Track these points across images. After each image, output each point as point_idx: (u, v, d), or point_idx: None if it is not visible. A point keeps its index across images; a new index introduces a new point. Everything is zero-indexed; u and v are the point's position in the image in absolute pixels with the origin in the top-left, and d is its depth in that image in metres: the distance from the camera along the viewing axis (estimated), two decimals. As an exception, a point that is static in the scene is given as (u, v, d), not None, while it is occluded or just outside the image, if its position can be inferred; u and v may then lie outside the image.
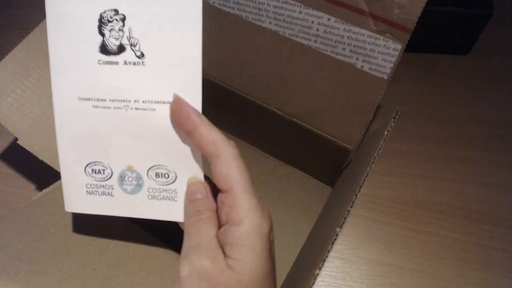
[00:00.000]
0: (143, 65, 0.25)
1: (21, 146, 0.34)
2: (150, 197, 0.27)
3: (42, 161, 0.34)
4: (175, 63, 0.25)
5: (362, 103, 0.35)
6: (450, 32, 0.53)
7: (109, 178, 0.28)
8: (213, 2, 0.37)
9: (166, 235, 0.32)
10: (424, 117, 0.51)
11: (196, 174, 0.26)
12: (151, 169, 0.27)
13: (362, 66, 0.33)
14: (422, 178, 0.47)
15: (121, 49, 0.25)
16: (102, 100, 0.26)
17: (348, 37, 0.32)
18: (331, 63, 0.34)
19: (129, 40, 0.25)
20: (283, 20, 0.35)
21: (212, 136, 0.23)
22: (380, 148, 0.29)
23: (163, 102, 0.25)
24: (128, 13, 0.25)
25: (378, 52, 0.32)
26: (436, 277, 0.41)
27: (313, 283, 0.24)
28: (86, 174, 0.28)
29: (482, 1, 0.49)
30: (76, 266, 0.31)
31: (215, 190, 0.25)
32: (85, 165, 0.28)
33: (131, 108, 0.26)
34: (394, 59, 0.31)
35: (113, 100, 0.26)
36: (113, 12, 0.25)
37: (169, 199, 0.27)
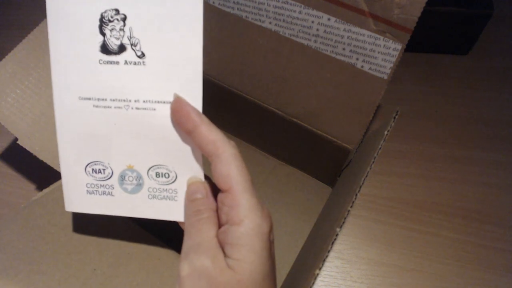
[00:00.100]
0: (144, 64, 0.25)
1: (21, 146, 0.34)
2: (150, 196, 0.27)
3: (42, 161, 0.34)
4: (175, 63, 0.25)
5: (362, 103, 0.35)
6: (450, 32, 0.53)
7: (109, 178, 0.28)
8: (213, 2, 0.37)
9: (166, 235, 0.32)
10: (424, 117, 0.51)
11: (196, 174, 0.26)
12: (152, 168, 0.27)
13: (362, 66, 0.33)
14: (422, 178, 0.47)
15: (122, 48, 0.25)
16: (102, 99, 0.26)
17: (348, 37, 0.32)
18: (331, 63, 0.34)
19: (130, 40, 0.25)
20: (283, 20, 0.35)
21: (212, 135, 0.23)
22: (380, 148, 0.29)
23: (164, 102, 0.25)
24: (129, 13, 0.25)
25: (378, 52, 0.32)
26: (436, 277, 0.41)
27: (313, 283, 0.24)
28: (87, 174, 0.28)
29: (482, 1, 0.49)
30: (76, 266, 0.31)
31: (215, 190, 0.25)
32: (85, 165, 0.28)
33: (132, 108, 0.26)
34: (394, 59, 0.31)
35: (113, 100, 0.26)
36: (114, 12, 0.25)
37: (169, 199, 0.27)
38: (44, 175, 0.34)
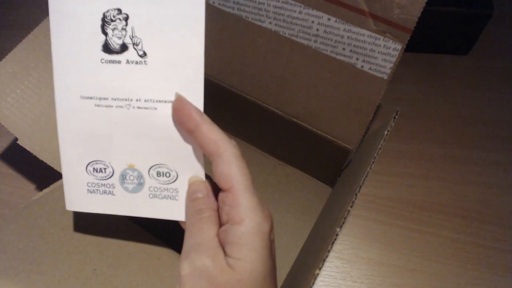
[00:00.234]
0: (146, 64, 0.25)
1: (21, 146, 0.34)
2: (151, 196, 0.27)
3: (42, 161, 0.34)
4: (177, 63, 0.25)
5: (362, 103, 0.35)
6: (450, 32, 0.53)
7: (110, 177, 0.28)
8: (213, 2, 0.37)
9: (167, 235, 0.32)
10: (424, 117, 0.51)
11: (197, 173, 0.26)
12: (153, 168, 0.27)
13: (362, 66, 0.33)
14: (422, 178, 0.47)
15: (123, 48, 0.25)
16: (104, 99, 0.26)
17: (348, 37, 0.32)
18: (331, 63, 0.34)
19: (131, 39, 0.25)
20: (283, 20, 0.35)
21: (213, 135, 0.23)
22: (380, 148, 0.29)
23: (165, 101, 0.25)
24: (131, 13, 0.25)
25: (378, 52, 0.32)
26: (436, 277, 0.41)
27: (313, 283, 0.24)
28: (88, 173, 0.28)
29: (482, 1, 0.49)
30: (76, 266, 0.31)
31: (216, 189, 0.25)
32: (86, 164, 0.28)
33: (133, 107, 0.26)
34: (394, 59, 0.31)
35: (115, 99, 0.26)
36: (116, 12, 0.25)
37: (170, 198, 0.27)
38: (44, 175, 0.34)
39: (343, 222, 0.26)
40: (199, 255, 0.22)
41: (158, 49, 0.25)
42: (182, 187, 0.27)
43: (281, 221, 0.43)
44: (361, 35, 0.32)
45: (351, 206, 0.26)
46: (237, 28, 0.37)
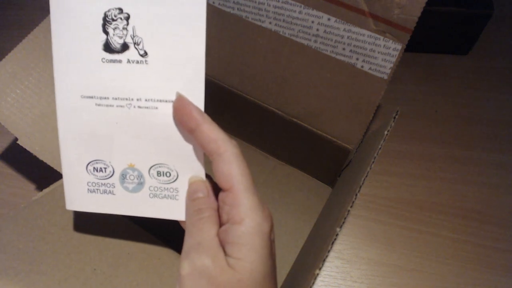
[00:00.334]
0: (146, 63, 0.25)
1: (21, 146, 0.34)
2: (151, 195, 0.27)
3: (42, 161, 0.34)
4: (178, 62, 0.25)
5: (362, 103, 0.35)
6: (450, 32, 0.53)
7: (110, 177, 0.28)
8: (213, 2, 0.37)
9: (166, 234, 0.32)
10: (424, 117, 0.51)
11: (198, 173, 0.26)
12: (153, 167, 0.27)
13: (362, 66, 0.33)
14: (422, 178, 0.47)
15: (124, 47, 0.25)
16: (105, 98, 0.26)
17: (348, 37, 0.32)
18: (331, 63, 0.34)
19: (132, 39, 0.25)
20: (283, 20, 0.35)
21: (214, 134, 0.23)
22: (380, 148, 0.29)
23: (166, 101, 0.25)
24: (132, 12, 0.25)
25: (378, 52, 0.32)
26: (436, 277, 0.41)
27: (313, 283, 0.24)
28: (88, 172, 0.28)
29: (482, 1, 0.49)
30: (76, 266, 0.31)
31: (216, 189, 0.25)
32: (87, 163, 0.28)
33: (134, 107, 0.26)
34: (394, 59, 0.31)
35: (116, 99, 0.26)
36: (117, 11, 0.25)
37: (171, 198, 0.27)
38: (44, 175, 0.34)
39: (343, 222, 0.26)
40: (199, 254, 0.22)
41: (159, 49, 0.25)
42: (182, 186, 0.27)
43: (281, 221, 0.43)
44: (361, 35, 0.32)
45: (351, 206, 0.26)
46: (237, 28, 0.37)
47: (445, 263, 0.41)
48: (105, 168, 0.27)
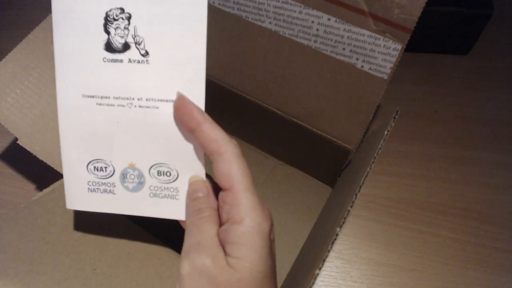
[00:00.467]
0: (148, 63, 0.25)
1: (21, 146, 0.34)
2: (151, 195, 0.28)
3: (42, 161, 0.34)
4: (179, 62, 0.25)
5: (362, 103, 0.35)
6: (450, 32, 0.53)
7: (111, 176, 0.28)
8: (213, 2, 0.37)
9: (166, 234, 0.32)
10: (424, 117, 0.51)
11: (198, 173, 0.26)
12: (153, 167, 0.27)
13: (362, 66, 0.33)
14: (422, 178, 0.47)
15: (126, 47, 0.25)
16: (106, 97, 0.26)
17: (348, 37, 0.32)
18: (331, 63, 0.34)
19: (134, 39, 0.25)
20: (283, 20, 0.35)
21: (215, 134, 0.23)
22: (380, 148, 0.29)
23: (167, 100, 0.25)
24: (133, 12, 0.25)
25: (378, 52, 0.32)
26: (436, 277, 0.41)
27: (313, 283, 0.24)
28: (88, 172, 0.28)
29: (482, 1, 0.49)
30: (76, 266, 0.31)
31: (216, 189, 0.25)
32: (87, 163, 0.28)
33: (135, 106, 0.26)
34: (394, 59, 0.31)
35: (117, 98, 0.26)
36: (119, 11, 0.25)
37: (171, 198, 0.27)
38: (44, 175, 0.34)
39: (343, 222, 0.26)
40: (199, 254, 0.22)
41: (160, 49, 0.25)
42: (182, 186, 0.27)
43: (281, 221, 0.43)
44: (361, 35, 0.32)
45: (351, 206, 0.26)
46: (237, 28, 0.37)
47: (445, 263, 0.41)
48: (105, 168, 0.27)
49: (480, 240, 0.42)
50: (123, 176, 0.27)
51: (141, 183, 0.27)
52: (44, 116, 0.35)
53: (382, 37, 0.31)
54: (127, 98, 0.26)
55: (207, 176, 0.27)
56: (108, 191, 0.28)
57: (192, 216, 0.24)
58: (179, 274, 0.22)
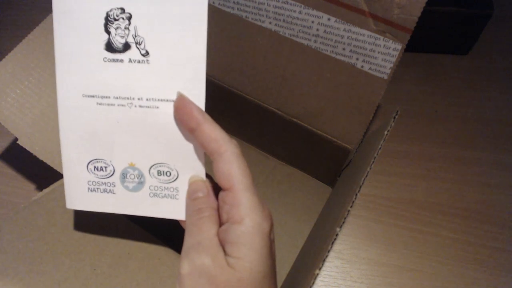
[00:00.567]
0: (148, 63, 0.25)
1: (21, 146, 0.34)
2: (151, 195, 0.28)
3: (42, 161, 0.34)
4: (179, 62, 0.25)
5: (362, 103, 0.35)
6: (450, 32, 0.53)
7: (111, 176, 0.28)
8: (213, 2, 0.37)
9: (166, 234, 0.32)
10: (424, 117, 0.51)
11: (198, 173, 0.27)
12: (153, 167, 0.27)
13: (362, 66, 0.33)
14: (422, 178, 0.47)
15: (126, 47, 0.25)
16: (106, 97, 0.26)
17: (348, 37, 0.32)
18: (331, 63, 0.34)
19: (134, 39, 0.25)
20: (283, 20, 0.35)
21: (215, 134, 0.23)
22: (380, 148, 0.29)
23: (167, 100, 0.25)
24: (134, 12, 0.25)
25: (378, 52, 0.32)
26: (436, 277, 0.41)
27: (313, 283, 0.24)
28: (88, 171, 0.28)
29: (482, 1, 0.49)
30: (76, 266, 0.31)
31: (216, 189, 0.25)
32: (87, 162, 0.28)
33: (135, 106, 0.26)
34: (394, 59, 0.31)
35: (117, 98, 0.26)
36: (119, 11, 0.25)
37: (171, 197, 0.27)
38: (44, 175, 0.34)
39: (343, 222, 0.26)
40: (199, 254, 0.22)
41: (160, 48, 0.25)
42: (182, 186, 0.27)
43: (281, 221, 0.43)
44: (361, 35, 0.32)
45: (351, 206, 0.26)
46: (237, 28, 0.37)
47: (445, 263, 0.41)
48: (105, 167, 0.27)
49: (480, 240, 0.42)
50: (123, 176, 0.27)
51: (141, 183, 0.27)
52: (44, 116, 0.36)
53: (382, 37, 0.31)
54: (128, 98, 0.26)
55: (207, 176, 0.27)
56: (108, 191, 0.28)
57: (192, 216, 0.24)
58: (179, 274, 0.22)
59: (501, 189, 0.46)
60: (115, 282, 0.31)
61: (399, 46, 0.31)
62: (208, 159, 0.25)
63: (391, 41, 0.31)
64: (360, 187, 0.27)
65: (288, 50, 0.36)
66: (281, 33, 0.35)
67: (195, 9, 0.24)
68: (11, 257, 0.30)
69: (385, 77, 0.32)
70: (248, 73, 0.39)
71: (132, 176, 0.27)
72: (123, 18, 0.25)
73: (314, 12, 0.33)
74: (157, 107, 0.26)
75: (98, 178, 0.28)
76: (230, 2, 0.36)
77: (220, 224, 0.24)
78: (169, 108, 0.25)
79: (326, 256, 0.25)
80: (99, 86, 0.26)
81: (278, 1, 0.34)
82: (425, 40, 0.55)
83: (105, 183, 0.28)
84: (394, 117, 0.30)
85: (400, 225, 0.44)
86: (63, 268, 0.30)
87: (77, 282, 0.30)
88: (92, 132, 0.27)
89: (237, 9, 0.36)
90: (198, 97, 0.25)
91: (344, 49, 0.33)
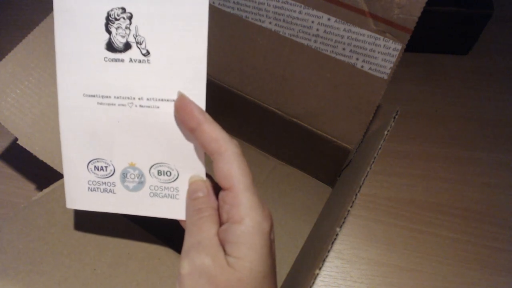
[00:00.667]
0: (149, 63, 0.25)
1: (21, 146, 0.34)
2: (152, 194, 0.28)
3: (42, 161, 0.34)
4: (180, 62, 0.25)
5: (362, 103, 0.35)
6: (450, 32, 0.53)
7: (111, 175, 0.28)
8: (213, 2, 0.37)
9: (166, 234, 0.32)
10: (424, 117, 0.51)
11: (198, 173, 0.27)
12: (154, 166, 0.27)
13: (362, 66, 0.33)
14: (422, 178, 0.47)
15: (127, 46, 0.25)
16: (107, 97, 0.26)
17: (348, 37, 0.32)
18: (331, 63, 0.34)
19: (135, 38, 0.25)
20: (283, 20, 0.35)
21: (215, 133, 0.23)
22: (380, 148, 0.29)
23: (167, 100, 0.25)
24: (135, 12, 0.25)
25: (378, 52, 0.32)
26: (436, 277, 0.41)
27: (313, 283, 0.24)
28: (89, 171, 0.28)
29: (482, 1, 0.49)
30: (76, 266, 0.31)
31: (216, 188, 0.25)
32: (87, 162, 0.28)
33: (135, 106, 0.26)
34: (394, 59, 0.31)
35: (117, 97, 0.26)
36: (120, 10, 0.25)
37: (171, 197, 0.27)
38: (44, 175, 0.34)
39: (343, 222, 0.26)
40: (199, 254, 0.22)
41: (161, 48, 0.25)
42: (182, 186, 0.27)
43: (281, 221, 0.43)
44: (361, 35, 0.32)
45: (351, 206, 0.26)
46: (237, 28, 0.37)
47: (445, 263, 0.41)
48: (106, 167, 0.27)
49: (480, 240, 0.42)
50: (124, 175, 0.27)
51: (141, 183, 0.27)
52: (44, 116, 0.36)
53: (382, 37, 0.31)
54: (128, 98, 0.26)
55: (207, 176, 0.27)
56: (108, 191, 0.28)
57: (192, 215, 0.24)
58: (179, 273, 0.22)
59: (501, 189, 0.46)
60: (115, 282, 0.31)
61: (399, 46, 0.31)
62: (208, 159, 0.25)
63: (391, 41, 0.31)
64: (360, 187, 0.27)
65: (288, 50, 0.36)
66: (281, 33, 0.35)
67: (196, 9, 0.24)
68: (11, 257, 0.30)
69: (385, 77, 0.32)
70: (248, 73, 0.39)
71: (133, 176, 0.27)
72: (124, 18, 0.25)
73: (314, 12, 0.33)
74: (158, 107, 0.26)
75: (98, 177, 0.28)
76: (230, 2, 0.36)
77: (220, 224, 0.24)
78: (170, 108, 0.25)
79: (326, 256, 0.25)
80: (100, 86, 0.26)
81: (278, 1, 0.34)
82: (425, 40, 0.55)
83: (105, 182, 0.28)
84: (394, 117, 0.30)
85: (400, 225, 0.44)
86: (63, 268, 0.30)
87: (77, 282, 0.30)
88: (93, 131, 0.27)
89: (237, 9, 0.36)
90: (198, 97, 0.25)
91: (344, 49, 0.33)
